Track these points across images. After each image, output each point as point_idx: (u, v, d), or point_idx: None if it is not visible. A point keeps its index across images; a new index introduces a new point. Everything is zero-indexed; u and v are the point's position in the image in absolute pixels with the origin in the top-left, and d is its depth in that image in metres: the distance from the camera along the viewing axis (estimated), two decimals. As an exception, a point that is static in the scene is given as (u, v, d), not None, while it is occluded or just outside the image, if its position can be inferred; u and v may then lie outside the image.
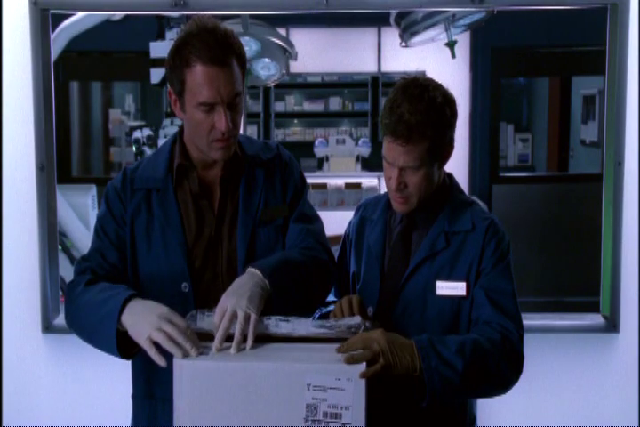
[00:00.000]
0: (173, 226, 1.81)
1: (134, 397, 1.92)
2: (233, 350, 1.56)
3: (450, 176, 1.88)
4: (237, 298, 1.61)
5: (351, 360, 1.51)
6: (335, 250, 1.98)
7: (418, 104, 1.70)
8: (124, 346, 1.66)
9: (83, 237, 3.56)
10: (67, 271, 3.09)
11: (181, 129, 1.89)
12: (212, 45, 1.69)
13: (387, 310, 1.81)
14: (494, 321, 1.71)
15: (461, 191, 1.88)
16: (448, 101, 1.75)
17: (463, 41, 5.21)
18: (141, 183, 1.85)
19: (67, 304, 1.80)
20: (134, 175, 1.86)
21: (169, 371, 1.55)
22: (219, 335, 1.58)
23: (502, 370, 1.65)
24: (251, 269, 1.70)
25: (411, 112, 1.69)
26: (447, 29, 3.85)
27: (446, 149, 1.78)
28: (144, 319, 1.59)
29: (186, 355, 1.53)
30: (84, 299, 1.73)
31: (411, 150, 1.71)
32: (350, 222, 1.99)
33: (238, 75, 1.74)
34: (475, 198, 1.91)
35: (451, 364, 1.58)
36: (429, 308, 1.77)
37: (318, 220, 1.94)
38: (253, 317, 1.59)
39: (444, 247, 1.78)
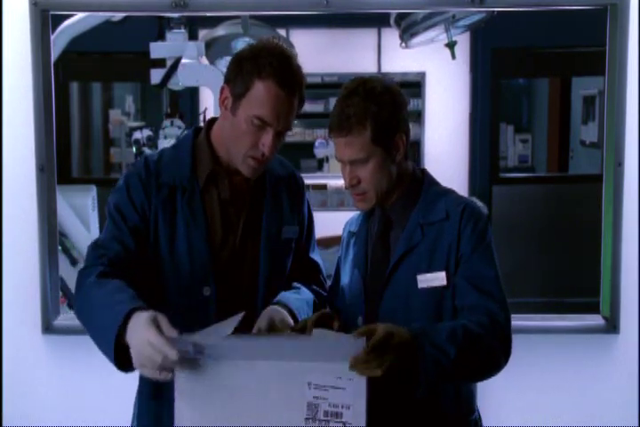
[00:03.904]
0: (200, 228, 1.78)
1: (140, 394, 1.89)
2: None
3: (422, 171, 1.87)
4: (279, 312, 1.75)
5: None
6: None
7: (355, 97, 1.72)
8: (124, 357, 1.54)
9: (83, 237, 3.55)
10: (67, 272, 3.08)
11: (208, 128, 1.84)
12: (287, 70, 1.70)
13: (373, 312, 1.78)
14: (480, 305, 1.68)
15: (435, 183, 1.85)
16: (389, 90, 1.75)
17: (463, 42, 5.21)
18: (167, 178, 1.79)
19: (77, 292, 1.70)
20: (159, 168, 1.80)
21: None
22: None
23: (493, 353, 1.64)
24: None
25: (348, 105, 1.72)
26: (447, 30, 3.85)
27: (394, 138, 1.75)
28: (134, 349, 1.48)
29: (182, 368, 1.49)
30: (92, 295, 1.63)
31: (353, 142, 1.72)
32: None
33: (295, 110, 1.74)
34: (475, 199, 1.89)
35: (443, 350, 1.55)
36: (413, 303, 1.74)
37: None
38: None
39: (420, 240, 1.75)
